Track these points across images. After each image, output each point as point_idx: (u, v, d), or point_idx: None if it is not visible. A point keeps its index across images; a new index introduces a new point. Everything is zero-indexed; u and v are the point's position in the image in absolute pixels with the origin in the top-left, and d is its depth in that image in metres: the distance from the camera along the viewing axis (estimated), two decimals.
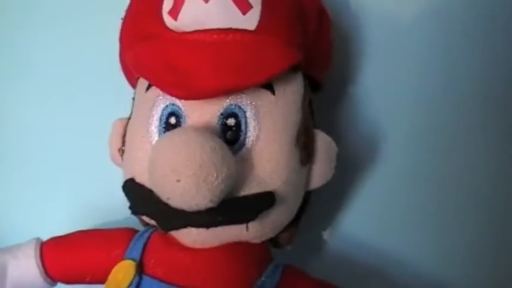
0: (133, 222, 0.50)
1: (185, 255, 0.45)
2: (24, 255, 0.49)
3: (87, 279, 0.48)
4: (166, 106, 0.44)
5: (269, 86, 0.43)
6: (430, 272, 0.56)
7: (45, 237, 0.50)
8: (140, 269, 0.45)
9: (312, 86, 0.49)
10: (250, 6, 0.43)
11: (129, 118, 0.48)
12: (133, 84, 0.50)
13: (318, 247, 0.57)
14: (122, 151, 0.48)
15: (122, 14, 0.49)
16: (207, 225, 0.42)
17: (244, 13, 0.43)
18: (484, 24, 0.56)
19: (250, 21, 0.43)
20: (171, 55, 0.42)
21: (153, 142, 0.44)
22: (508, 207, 0.56)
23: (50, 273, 0.49)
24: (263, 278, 0.45)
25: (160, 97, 0.44)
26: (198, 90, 0.41)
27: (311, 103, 0.49)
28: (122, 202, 0.46)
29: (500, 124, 0.56)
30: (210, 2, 0.43)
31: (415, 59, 0.56)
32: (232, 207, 0.42)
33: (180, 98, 0.43)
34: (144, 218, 0.47)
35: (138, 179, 0.44)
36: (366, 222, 0.57)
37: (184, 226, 0.43)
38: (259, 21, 0.43)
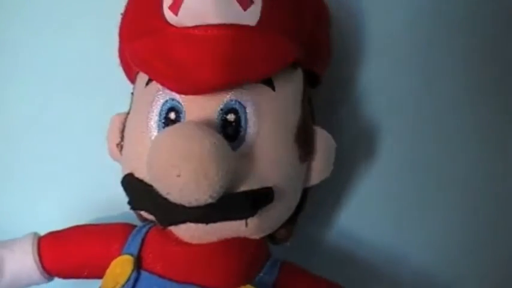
0: (132, 217, 0.50)
1: (183, 250, 0.44)
2: (21, 249, 0.49)
3: (85, 274, 0.48)
4: (166, 101, 0.44)
5: (269, 82, 0.43)
6: (428, 269, 0.57)
7: (42, 232, 0.50)
8: (138, 264, 0.45)
9: (311, 81, 0.49)
10: (251, 2, 0.43)
11: (128, 113, 0.48)
12: (132, 79, 0.50)
13: (316, 243, 0.57)
14: (120, 146, 0.48)
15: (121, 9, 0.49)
16: (206, 221, 0.42)
17: (245, 9, 0.43)
18: (482, 23, 0.56)
19: (251, 16, 0.43)
20: (172, 50, 0.42)
21: (153, 137, 0.44)
22: (506, 205, 0.56)
23: (47, 267, 0.49)
24: (261, 274, 0.45)
25: (160, 92, 0.44)
26: (198, 85, 0.41)
27: (311, 100, 0.49)
28: (120, 197, 0.45)
29: (498, 122, 0.56)
30: None
31: (414, 57, 0.56)
32: (231, 203, 0.42)
33: (179, 92, 0.43)
34: (143, 213, 0.46)
35: (137, 174, 0.44)
36: (363, 218, 0.57)
37: (184, 221, 0.42)
38: (260, 17, 0.43)
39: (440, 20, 0.56)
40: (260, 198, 0.43)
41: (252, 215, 0.42)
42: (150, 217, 0.45)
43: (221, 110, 0.42)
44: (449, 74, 0.56)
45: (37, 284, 0.50)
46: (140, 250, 0.46)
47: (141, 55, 0.43)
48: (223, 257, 0.45)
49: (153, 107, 0.44)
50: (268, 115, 0.43)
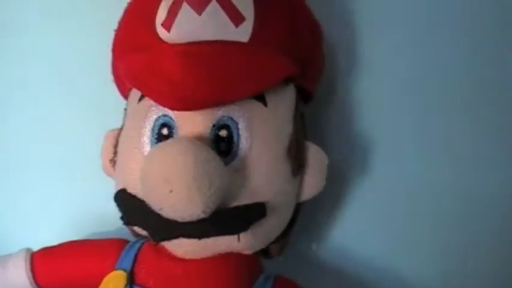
0: (125, 233, 0.50)
1: (176, 265, 0.45)
2: (14, 265, 0.49)
3: None
4: (159, 117, 0.44)
5: (261, 98, 0.44)
6: (420, 282, 0.56)
7: (36, 247, 0.50)
8: (131, 280, 0.45)
9: (303, 97, 0.49)
10: (243, 19, 0.43)
11: (121, 129, 0.48)
12: (125, 95, 0.50)
13: (309, 258, 0.57)
14: (113, 162, 0.48)
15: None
16: (199, 236, 0.42)
17: (237, 25, 0.43)
18: (477, 29, 0.56)
19: (243, 33, 0.43)
20: (164, 66, 0.42)
21: (145, 153, 0.44)
22: (501, 213, 0.56)
23: (40, 283, 0.49)
24: None
25: (153, 108, 0.44)
26: (191, 101, 0.41)
27: (303, 115, 0.49)
28: (113, 213, 0.45)
29: (491, 132, 0.56)
30: (203, 14, 0.43)
31: (405, 69, 0.57)
32: (224, 218, 0.42)
33: (171, 108, 0.43)
34: (136, 228, 0.47)
35: (130, 190, 0.44)
36: (355, 232, 0.57)
37: (176, 237, 0.42)
38: (252, 34, 0.43)
39: (430, 29, 0.56)
40: (253, 213, 0.43)
41: (245, 230, 0.42)
42: (143, 232, 0.45)
43: (213, 126, 0.42)
44: (440, 84, 0.56)
45: None
46: (133, 265, 0.46)
47: (134, 71, 0.44)
48: (216, 272, 0.45)
49: (146, 123, 0.44)
50: (260, 130, 0.43)
